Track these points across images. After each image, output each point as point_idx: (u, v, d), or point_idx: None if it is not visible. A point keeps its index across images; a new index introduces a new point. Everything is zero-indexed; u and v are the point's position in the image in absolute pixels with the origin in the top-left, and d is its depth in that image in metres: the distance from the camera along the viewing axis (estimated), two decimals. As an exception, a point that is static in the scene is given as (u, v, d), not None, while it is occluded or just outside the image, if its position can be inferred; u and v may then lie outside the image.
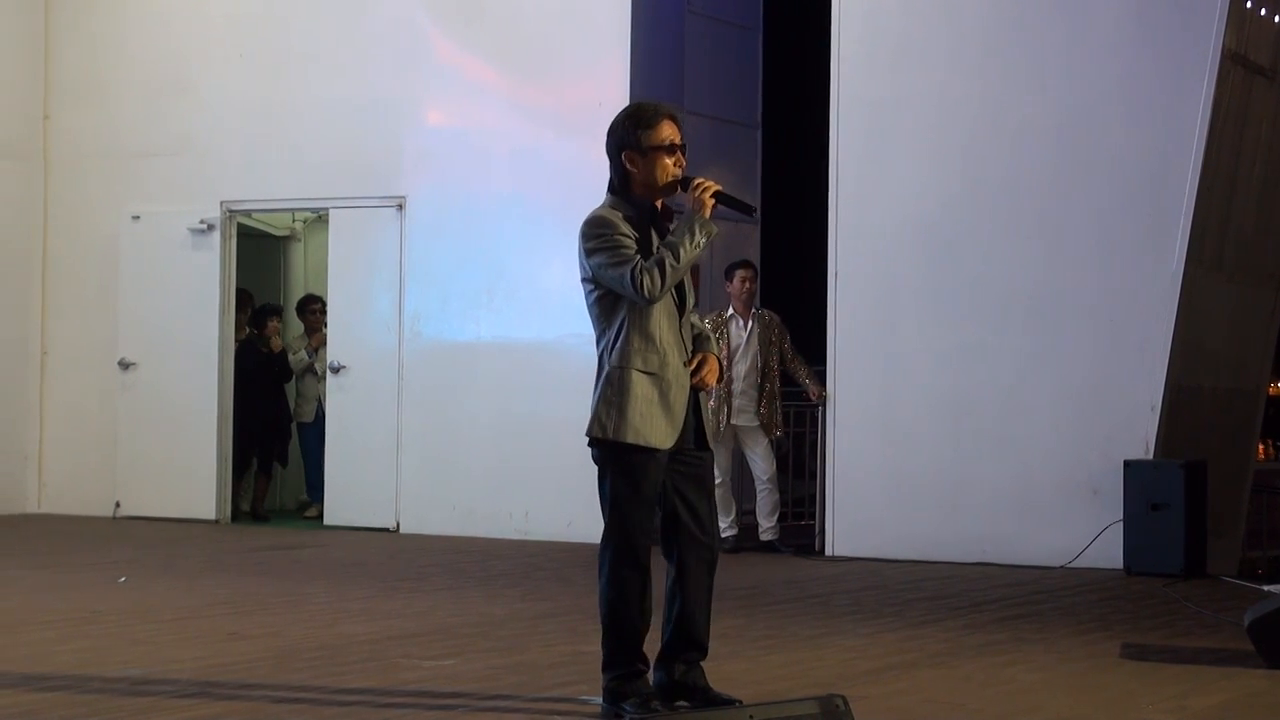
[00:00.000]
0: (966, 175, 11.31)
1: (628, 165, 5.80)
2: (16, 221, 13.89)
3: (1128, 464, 10.56)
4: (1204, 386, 11.56)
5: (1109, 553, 10.55)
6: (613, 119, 5.91)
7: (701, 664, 5.89)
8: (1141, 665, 7.17)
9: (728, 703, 5.62)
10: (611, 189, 5.87)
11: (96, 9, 13.99)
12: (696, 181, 5.77)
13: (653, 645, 5.86)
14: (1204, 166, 10.70)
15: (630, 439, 5.68)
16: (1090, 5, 11.08)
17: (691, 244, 5.66)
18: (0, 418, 13.79)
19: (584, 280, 5.84)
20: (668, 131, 5.79)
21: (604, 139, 5.92)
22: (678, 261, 5.64)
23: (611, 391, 5.73)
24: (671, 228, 5.79)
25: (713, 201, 5.75)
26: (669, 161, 5.79)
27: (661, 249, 5.68)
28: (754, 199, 14.12)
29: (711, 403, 11.35)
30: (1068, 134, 11.07)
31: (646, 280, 5.62)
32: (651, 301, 5.67)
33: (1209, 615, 8.65)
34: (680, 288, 5.82)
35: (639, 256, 5.67)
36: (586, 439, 5.79)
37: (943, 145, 11.39)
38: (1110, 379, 10.88)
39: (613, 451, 5.74)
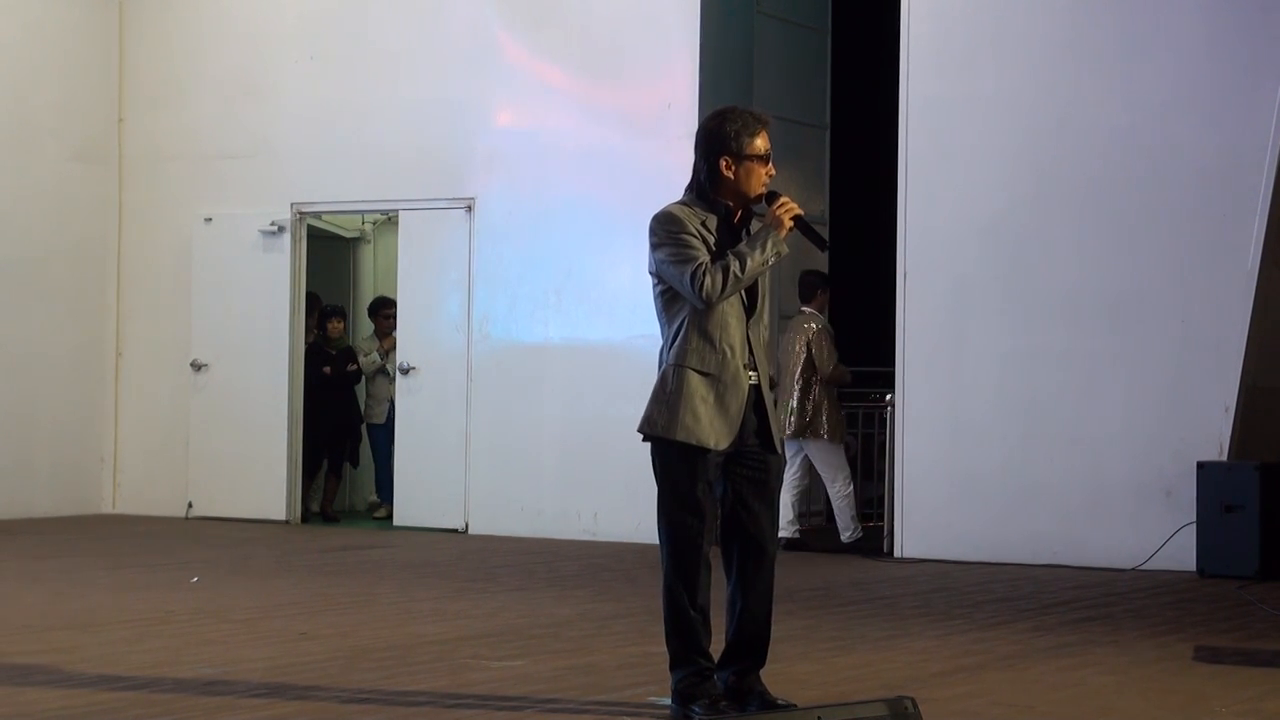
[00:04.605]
0: (1037, 175, 11.23)
1: (724, 170, 5.77)
2: (92, 224, 14.04)
3: (1201, 465, 10.46)
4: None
5: (1181, 555, 10.47)
6: (707, 120, 5.90)
7: (759, 671, 5.84)
8: (1215, 668, 7.10)
9: (785, 707, 5.60)
10: (693, 189, 5.86)
11: (170, 13, 14.12)
12: (782, 200, 5.76)
13: (716, 646, 5.86)
14: None
15: (680, 437, 5.67)
16: (1162, 4, 10.99)
17: (760, 258, 5.65)
18: (77, 419, 13.95)
19: (650, 274, 5.84)
20: (765, 141, 5.79)
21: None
22: (742, 272, 5.63)
23: (665, 389, 5.73)
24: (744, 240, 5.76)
25: (791, 224, 5.74)
26: (763, 171, 5.79)
27: (730, 255, 5.65)
28: (823, 199, 14.09)
29: (791, 403, 11.47)
30: (1141, 133, 10.98)
31: (707, 281, 5.61)
32: (708, 304, 5.66)
33: (1284, 618, 8.57)
34: (754, 290, 5.79)
35: (704, 258, 5.66)
36: (640, 435, 5.80)
37: (1012, 145, 11.32)
38: (1184, 379, 10.78)
39: (664, 449, 5.74)
